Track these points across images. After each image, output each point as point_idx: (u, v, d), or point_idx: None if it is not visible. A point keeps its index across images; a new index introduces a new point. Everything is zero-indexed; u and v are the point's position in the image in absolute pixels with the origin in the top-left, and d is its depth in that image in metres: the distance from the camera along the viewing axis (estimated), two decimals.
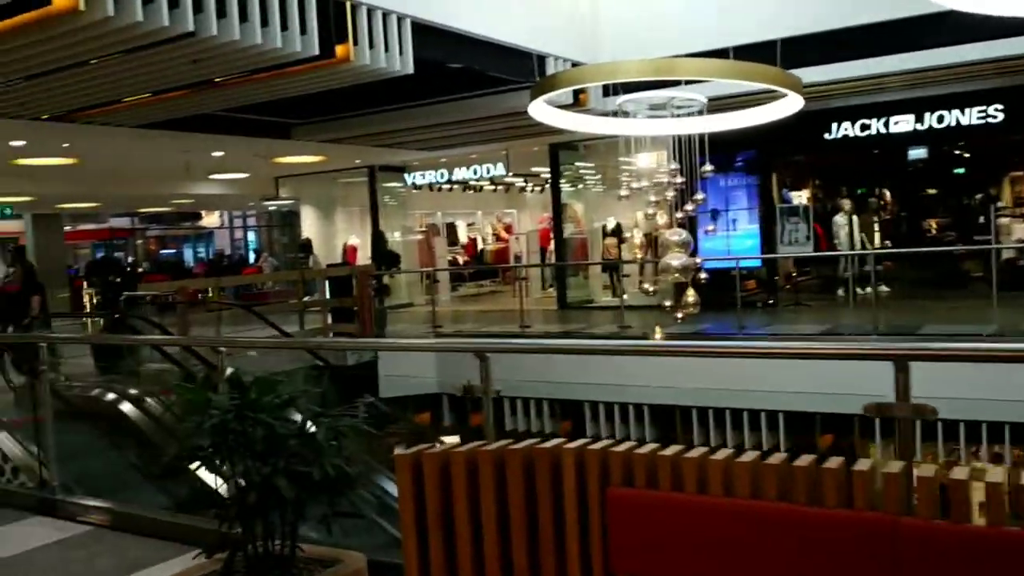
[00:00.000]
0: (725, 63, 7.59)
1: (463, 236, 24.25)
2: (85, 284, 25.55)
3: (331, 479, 2.83)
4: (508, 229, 24.63)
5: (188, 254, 36.53)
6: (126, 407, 8.90)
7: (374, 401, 10.61)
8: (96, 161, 15.16)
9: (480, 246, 24.28)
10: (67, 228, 25.44)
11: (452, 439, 3.06)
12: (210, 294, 17.31)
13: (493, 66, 10.59)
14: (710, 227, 13.23)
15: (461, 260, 22.75)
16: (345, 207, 21.19)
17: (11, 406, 8.57)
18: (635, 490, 2.64)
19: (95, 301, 23.86)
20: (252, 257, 31.63)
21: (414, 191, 20.10)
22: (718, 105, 8.17)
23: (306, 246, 21.03)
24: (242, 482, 2.89)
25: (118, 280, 15.89)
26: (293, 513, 2.92)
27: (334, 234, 21.24)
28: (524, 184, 22.51)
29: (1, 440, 7.23)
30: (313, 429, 2.97)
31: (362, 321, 13.26)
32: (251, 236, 34.70)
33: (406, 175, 19.34)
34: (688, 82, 7.89)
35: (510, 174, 18.59)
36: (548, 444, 2.79)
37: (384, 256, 16.56)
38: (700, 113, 7.57)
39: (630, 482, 2.65)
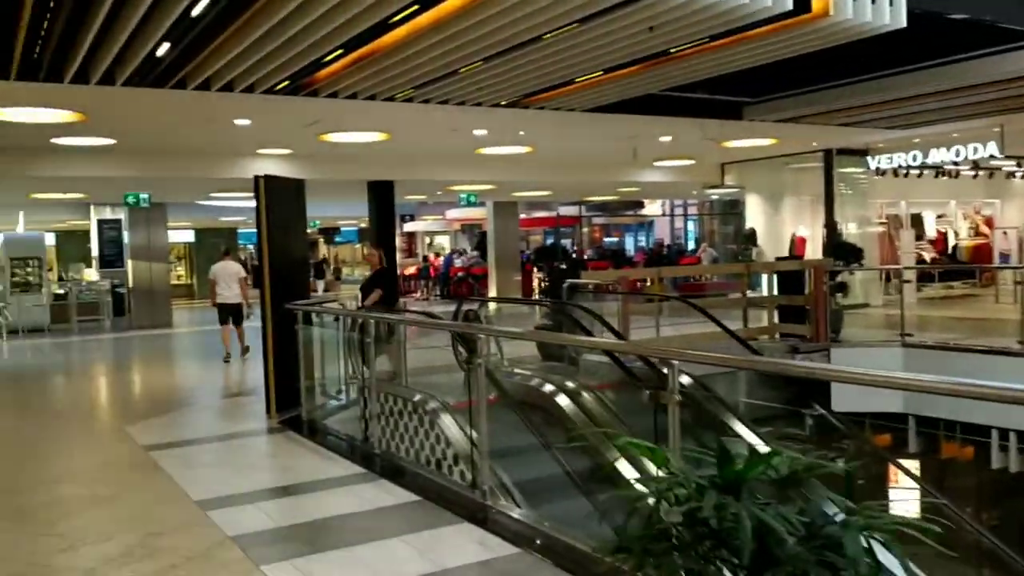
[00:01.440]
0: None
1: (931, 229, 21.10)
2: (535, 269, 27.09)
3: None
4: (989, 222, 20.92)
5: (629, 242, 37.21)
6: (562, 400, 8.47)
7: (823, 413, 9.12)
8: (548, 149, 15.41)
9: (952, 241, 20.93)
10: (521, 215, 27.00)
11: None
12: (649, 283, 16.89)
13: (1008, 15, 8.41)
14: None
15: (928, 257, 19.78)
16: (795, 195, 19.48)
17: (459, 386, 8.60)
18: None
19: (542, 286, 25.09)
20: (690, 247, 31.13)
21: (876, 177, 17.73)
22: None
23: (750, 237, 19.80)
24: None
25: (563, 266, 16.06)
26: None
27: (780, 224, 19.66)
28: (1016, 168, 18.80)
29: (446, 424, 7.07)
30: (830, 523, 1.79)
31: (815, 322, 11.69)
32: (690, 226, 34.36)
33: (868, 158, 17.09)
34: None
35: (1002, 156, 15.43)
36: None
37: (843, 249, 14.65)
38: None
39: None
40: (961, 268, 19.20)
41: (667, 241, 31.95)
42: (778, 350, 12.03)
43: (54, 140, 12.48)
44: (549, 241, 36.26)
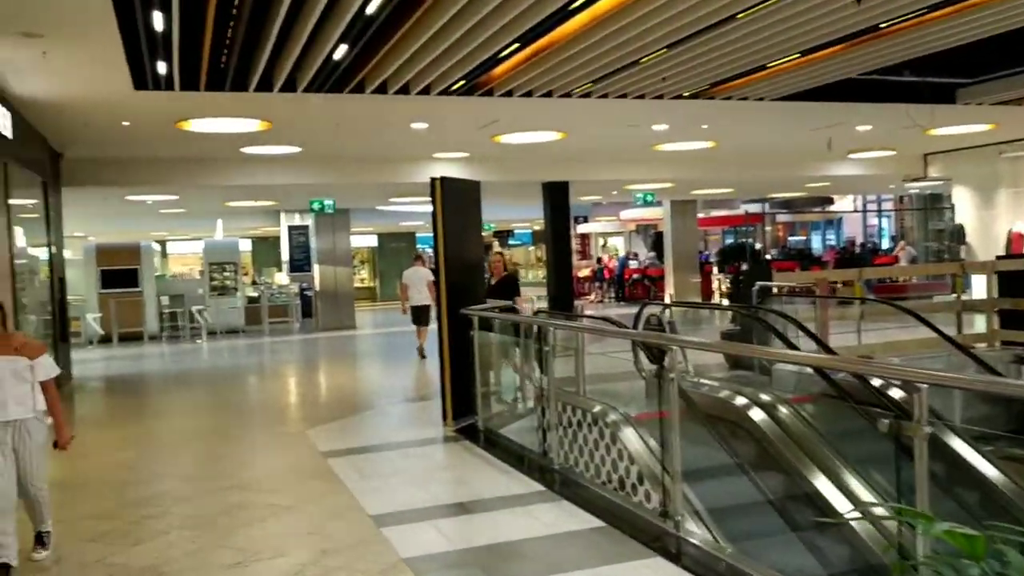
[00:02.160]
0: None
1: None
2: (715, 270, 26.00)
3: None
4: None
5: (816, 241, 35.19)
6: (756, 415, 7.75)
7: None
8: (732, 144, 14.56)
9: None
10: (699, 215, 26.00)
11: None
12: (840, 285, 15.62)
13: None
14: None
15: None
16: (1011, 187, 17.55)
17: (635, 395, 8.05)
18: None
19: (725, 289, 24.00)
20: (885, 245, 28.97)
21: None
22: None
23: (958, 234, 18.04)
24: None
25: (748, 268, 15.10)
26: None
27: (993, 220, 17.76)
28: None
29: (628, 439, 6.54)
30: None
31: None
32: (883, 222, 32.01)
33: None
34: None
35: None
36: None
37: None
38: None
39: None
40: None
41: (859, 239, 29.88)
42: (1001, 360, 10.69)
43: (244, 150, 12.96)
44: (728, 241, 34.89)
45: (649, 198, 19.76)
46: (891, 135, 14.43)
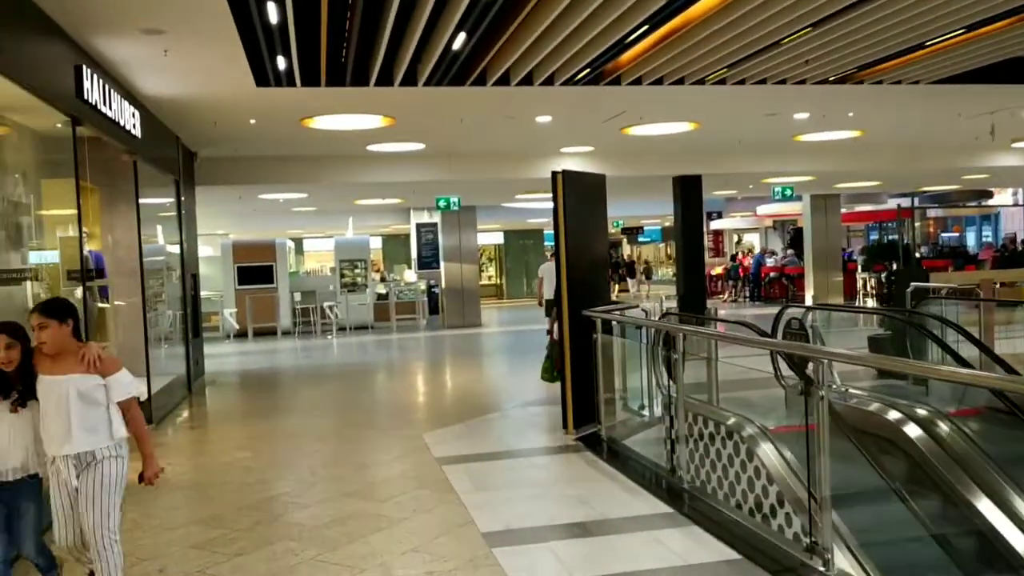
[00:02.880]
0: None
1: None
2: (859, 268, 24.49)
3: None
4: None
5: (970, 238, 32.77)
6: (912, 431, 6.96)
7: None
8: (880, 133, 13.49)
9: None
10: (843, 210, 24.55)
11: None
12: (997, 287, 14.26)
13: None
14: None
15: None
16: None
17: (778, 405, 7.39)
18: None
19: (868, 287, 22.56)
20: None
21: None
22: None
23: None
24: None
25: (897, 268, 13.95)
26: None
27: None
28: None
29: (765, 455, 5.95)
30: None
31: None
32: None
33: None
34: None
35: None
36: None
37: None
38: None
39: None
40: None
41: (1020, 236, 27.55)
42: None
43: (369, 147, 12.93)
44: (873, 237, 32.90)
45: (788, 192, 18.71)
46: None
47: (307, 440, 8.12)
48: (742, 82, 9.41)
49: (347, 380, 12.71)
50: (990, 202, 28.82)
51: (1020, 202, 28.95)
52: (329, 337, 19.36)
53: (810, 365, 4.53)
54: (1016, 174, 19.50)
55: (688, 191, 15.84)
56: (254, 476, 6.72)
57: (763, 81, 9.45)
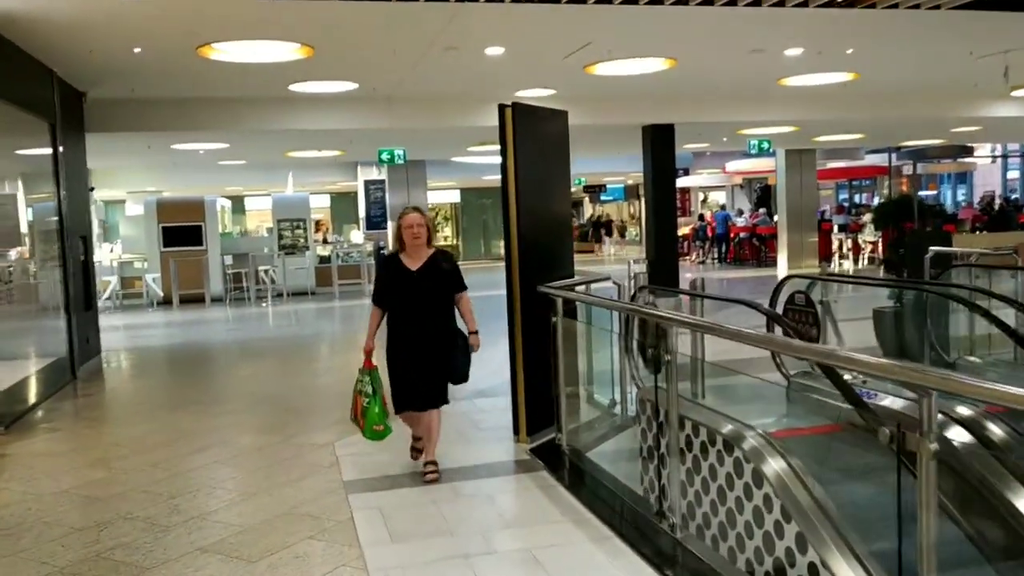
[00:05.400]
0: None
1: None
2: (835, 227, 23.13)
3: None
4: None
5: (946, 197, 31.60)
6: (955, 434, 5.41)
7: None
8: (876, 75, 11.89)
9: None
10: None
11: None
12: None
13: None
14: None
15: None
16: None
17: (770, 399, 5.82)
18: None
19: (845, 249, 21.15)
20: None
21: None
22: None
23: None
24: None
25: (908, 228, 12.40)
26: None
27: None
28: None
29: (774, 478, 4.35)
30: None
31: None
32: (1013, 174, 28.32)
33: None
34: None
35: None
36: None
37: None
38: None
39: None
40: None
41: (1000, 193, 26.39)
42: None
43: (292, 87, 11.04)
44: (843, 196, 31.60)
45: (765, 145, 17.15)
46: None
47: (188, 452, 6.34)
48: (732, 2, 7.73)
49: (271, 360, 10.96)
50: (970, 159, 27.52)
51: (999, 157, 27.75)
52: (264, 305, 17.53)
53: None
54: (1011, 127, 18.10)
55: (659, 143, 14.18)
56: (93, 514, 4.97)
57: (757, 3, 7.79)
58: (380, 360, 5.50)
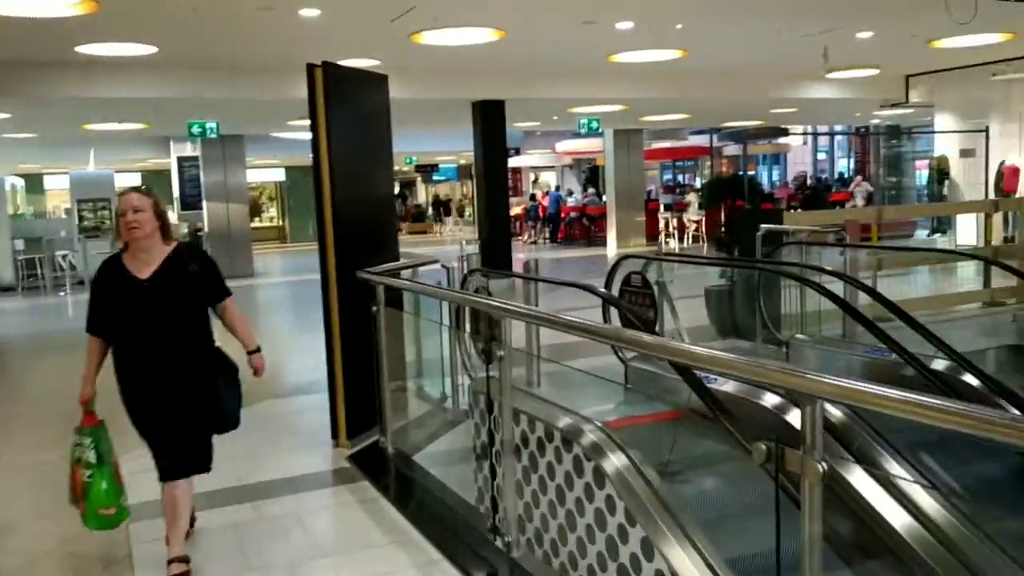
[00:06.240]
0: None
1: None
2: (661, 207, 23.58)
3: None
4: None
5: (763, 177, 33.07)
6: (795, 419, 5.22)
7: None
8: (703, 54, 11.88)
9: None
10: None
11: None
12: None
13: None
14: None
15: None
16: (1003, 115, 15.54)
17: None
18: None
19: (671, 227, 21.57)
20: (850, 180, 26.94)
21: None
22: None
23: (940, 168, 16.21)
24: None
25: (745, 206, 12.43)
26: None
27: (981, 153, 15.80)
28: None
29: (615, 476, 3.93)
30: None
31: None
32: (821, 156, 30.05)
33: None
34: None
35: None
36: None
37: None
38: None
39: None
40: None
41: (811, 173, 27.80)
42: None
43: (80, 49, 9.76)
44: (667, 177, 32.42)
45: (594, 124, 17.08)
46: (890, 47, 12.06)
47: None
48: None
49: (54, 356, 9.72)
50: (783, 140, 28.84)
51: (812, 141, 29.25)
52: (62, 294, 15.86)
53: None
54: (825, 108, 18.91)
55: (490, 119, 13.76)
56: None
57: None
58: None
